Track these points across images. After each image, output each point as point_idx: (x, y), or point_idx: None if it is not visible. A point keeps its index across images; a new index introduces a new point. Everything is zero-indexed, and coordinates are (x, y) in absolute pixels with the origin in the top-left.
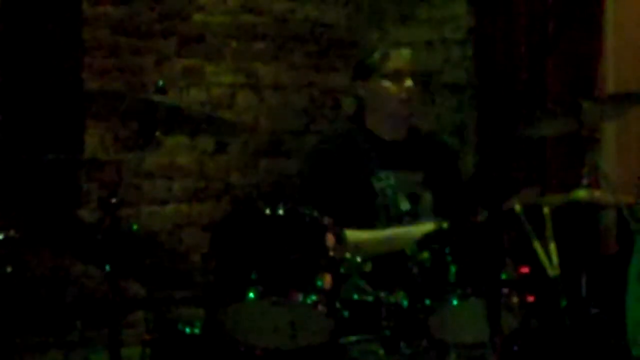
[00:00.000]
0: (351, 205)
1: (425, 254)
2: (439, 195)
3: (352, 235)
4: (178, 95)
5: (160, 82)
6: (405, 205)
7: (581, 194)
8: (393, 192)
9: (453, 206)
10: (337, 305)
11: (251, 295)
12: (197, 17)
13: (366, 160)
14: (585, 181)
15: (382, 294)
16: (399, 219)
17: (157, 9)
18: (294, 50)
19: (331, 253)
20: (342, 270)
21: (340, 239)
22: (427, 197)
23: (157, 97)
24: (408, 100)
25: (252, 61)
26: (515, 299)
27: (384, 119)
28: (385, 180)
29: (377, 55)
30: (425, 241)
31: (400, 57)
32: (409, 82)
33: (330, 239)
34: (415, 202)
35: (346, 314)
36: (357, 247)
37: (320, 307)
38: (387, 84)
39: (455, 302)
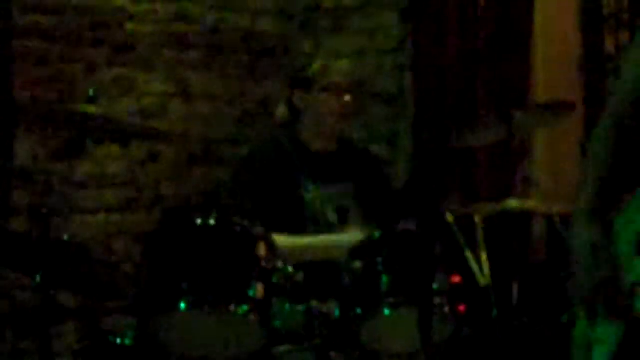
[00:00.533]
0: (280, 216)
1: (357, 263)
2: (368, 206)
3: (282, 241)
4: (109, 105)
5: (91, 92)
6: (333, 218)
7: (513, 203)
8: (321, 204)
9: (383, 215)
10: (269, 315)
11: (183, 305)
12: (129, 26)
13: (295, 171)
14: (516, 190)
15: (314, 304)
16: (328, 231)
17: (88, 18)
18: (225, 59)
19: (263, 263)
20: (274, 280)
21: (273, 249)
22: (356, 210)
23: (87, 107)
24: (345, 115)
25: (183, 70)
26: (446, 309)
27: (319, 131)
28: (314, 192)
29: (317, 67)
30: (356, 251)
31: (341, 71)
32: (347, 97)
33: (262, 249)
34: (343, 215)
35: (278, 323)
36: (287, 254)
37: (252, 317)
38: (326, 97)
39: (387, 312)
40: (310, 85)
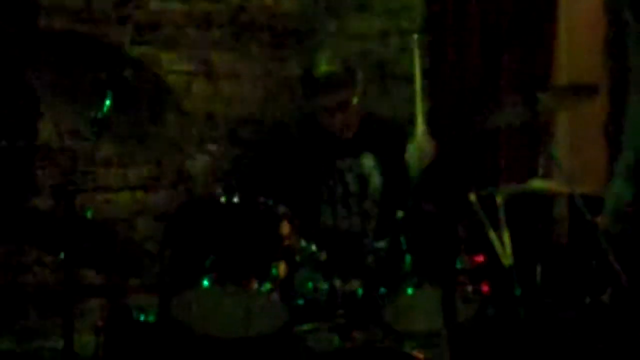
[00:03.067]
0: (297, 189)
1: (381, 243)
2: (389, 178)
3: None
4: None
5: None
6: (353, 187)
7: (536, 184)
8: (341, 174)
9: (404, 191)
10: (292, 293)
11: (205, 283)
12: (153, 4)
13: (314, 147)
14: (540, 171)
15: (337, 283)
16: (346, 200)
17: None
18: (250, 39)
19: (286, 242)
20: (297, 258)
21: (296, 227)
22: (376, 179)
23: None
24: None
25: (207, 50)
26: (469, 288)
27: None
28: (333, 163)
29: (309, 77)
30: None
31: (324, 91)
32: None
33: (285, 228)
34: (364, 184)
35: (301, 302)
36: None
37: (275, 295)
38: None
39: (410, 291)
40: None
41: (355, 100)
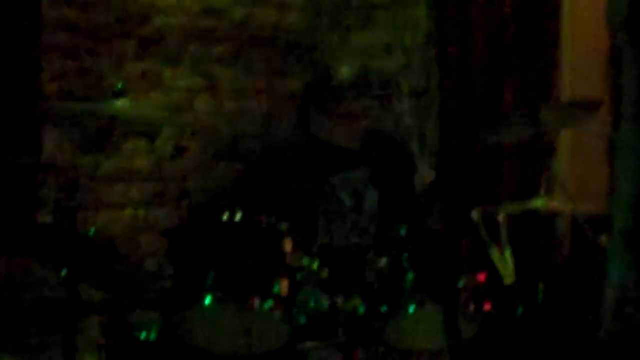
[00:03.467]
0: (291, 204)
1: (382, 260)
2: (386, 193)
3: None
4: (136, 99)
5: (119, 85)
6: (348, 202)
7: (539, 202)
8: (336, 189)
9: (409, 212)
10: (294, 311)
11: (207, 300)
12: (156, 20)
13: (309, 163)
14: (543, 189)
15: (339, 301)
16: (341, 217)
17: (115, 12)
18: (253, 54)
19: (288, 259)
20: (298, 276)
21: (298, 245)
22: (372, 195)
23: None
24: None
25: (210, 65)
26: (472, 306)
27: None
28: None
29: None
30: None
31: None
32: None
33: (287, 245)
34: (359, 199)
35: (302, 320)
36: None
37: (276, 313)
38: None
39: (412, 309)
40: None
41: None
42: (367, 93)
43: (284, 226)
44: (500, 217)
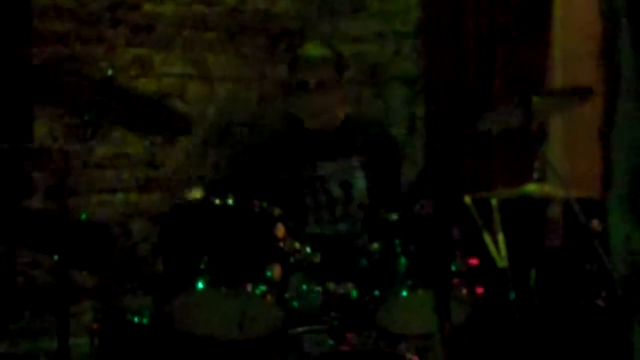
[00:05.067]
0: (280, 195)
1: (375, 245)
2: (375, 180)
3: None
4: (127, 85)
5: (109, 72)
6: (337, 193)
7: (532, 188)
8: (324, 179)
9: (401, 196)
10: (286, 295)
11: (200, 285)
12: (147, 6)
13: (297, 150)
14: (535, 175)
15: (331, 285)
16: (330, 206)
17: None
18: (244, 41)
19: (281, 244)
20: (291, 260)
21: (290, 230)
22: (360, 183)
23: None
24: (319, 105)
25: (202, 51)
26: (464, 291)
27: (301, 113)
28: (315, 171)
29: (295, 56)
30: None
31: (307, 66)
32: (314, 90)
33: (279, 230)
34: (348, 189)
35: (295, 304)
36: None
37: (269, 298)
38: (301, 93)
39: (404, 294)
40: (290, 73)
41: (338, 88)
42: (332, 65)
43: (276, 211)
44: (493, 202)
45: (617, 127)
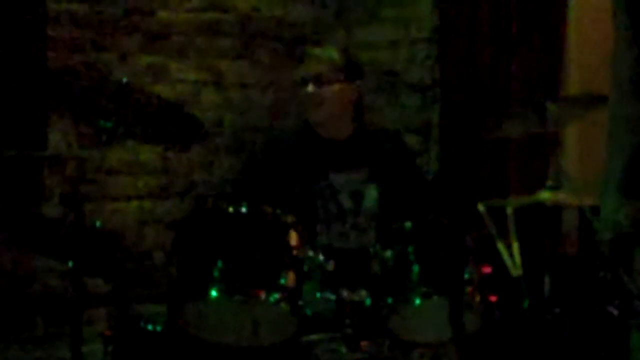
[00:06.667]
0: (291, 205)
1: (388, 253)
2: (388, 191)
3: None
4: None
5: (124, 79)
6: (348, 204)
7: (545, 195)
8: (335, 190)
9: (410, 204)
10: (300, 303)
11: (214, 293)
12: (162, 13)
13: (309, 160)
14: (549, 183)
15: (345, 293)
16: (341, 218)
17: (121, 6)
18: (258, 48)
19: (294, 251)
20: (305, 268)
21: (304, 237)
22: (372, 194)
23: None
24: (323, 105)
25: (216, 58)
26: (477, 299)
27: (313, 120)
28: (327, 181)
29: (307, 57)
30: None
31: (321, 62)
32: (326, 88)
33: (293, 237)
34: (358, 200)
35: (308, 312)
36: None
37: (282, 305)
38: (306, 87)
39: (417, 302)
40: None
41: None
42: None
43: (290, 218)
44: (508, 210)
45: (612, 123)
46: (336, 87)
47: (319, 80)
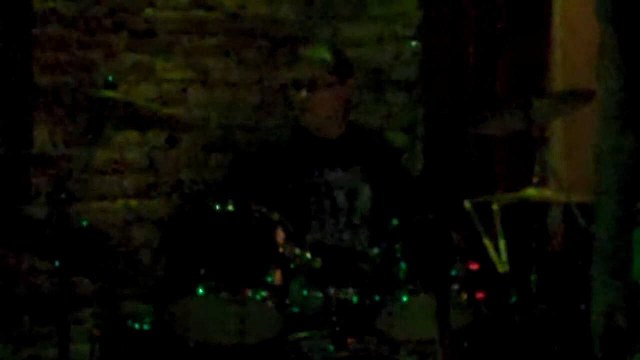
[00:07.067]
0: (285, 204)
1: (375, 250)
2: (378, 190)
3: None
4: (128, 91)
5: (110, 77)
6: (342, 202)
7: (531, 192)
8: (330, 187)
9: (397, 202)
10: (287, 301)
11: (200, 291)
12: (148, 11)
13: (303, 158)
14: (535, 180)
15: (332, 290)
16: (334, 215)
17: (106, 4)
18: (244, 46)
19: (281, 249)
20: (291, 266)
21: (290, 235)
22: (365, 193)
23: (106, 93)
24: (317, 109)
25: (202, 57)
26: (464, 296)
27: (307, 122)
28: (321, 178)
29: (298, 59)
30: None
31: (302, 65)
32: (320, 93)
33: (279, 235)
34: (352, 198)
35: (295, 310)
36: None
37: (269, 303)
38: (299, 92)
39: (404, 299)
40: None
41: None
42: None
43: (276, 216)
44: (494, 207)
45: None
46: (330, 91)
47: (312, 85)
